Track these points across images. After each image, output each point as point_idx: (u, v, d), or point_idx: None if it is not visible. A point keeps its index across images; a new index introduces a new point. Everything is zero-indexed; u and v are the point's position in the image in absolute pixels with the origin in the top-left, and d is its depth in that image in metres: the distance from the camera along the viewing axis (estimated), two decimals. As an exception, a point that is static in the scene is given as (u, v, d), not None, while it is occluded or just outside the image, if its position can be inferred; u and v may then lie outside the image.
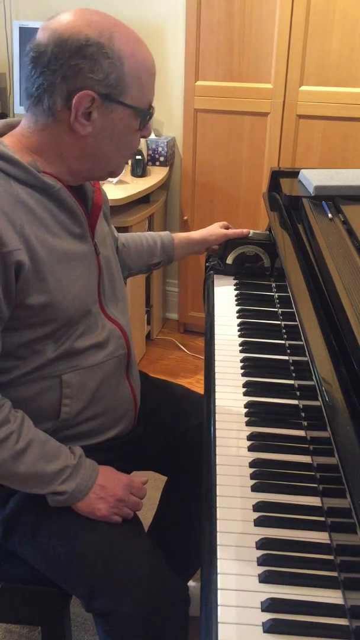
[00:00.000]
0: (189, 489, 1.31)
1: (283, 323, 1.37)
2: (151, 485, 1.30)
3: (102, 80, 0.95)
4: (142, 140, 2.55)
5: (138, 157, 2.54)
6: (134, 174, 2.56)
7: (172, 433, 1.31)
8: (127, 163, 1.09)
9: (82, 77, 0.95)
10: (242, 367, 1.22)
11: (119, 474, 1.12)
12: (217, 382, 1.18)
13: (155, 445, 1.30)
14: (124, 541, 1.06)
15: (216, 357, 1.26)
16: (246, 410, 1.10)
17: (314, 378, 0.90)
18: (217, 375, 1.20)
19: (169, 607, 1.03)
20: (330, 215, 1.30)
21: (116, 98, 0.97)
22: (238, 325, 1.38)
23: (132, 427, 1.22)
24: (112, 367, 1.14)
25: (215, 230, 1.56)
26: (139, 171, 2.55)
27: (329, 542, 0.84)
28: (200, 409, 1.20)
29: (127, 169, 2.60)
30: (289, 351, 1.26)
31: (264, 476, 0.95)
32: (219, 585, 0.77)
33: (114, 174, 1.10)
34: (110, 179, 2.44)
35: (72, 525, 1.06)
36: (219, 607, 0.75)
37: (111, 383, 1.14)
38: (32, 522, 1.08)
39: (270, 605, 0.75)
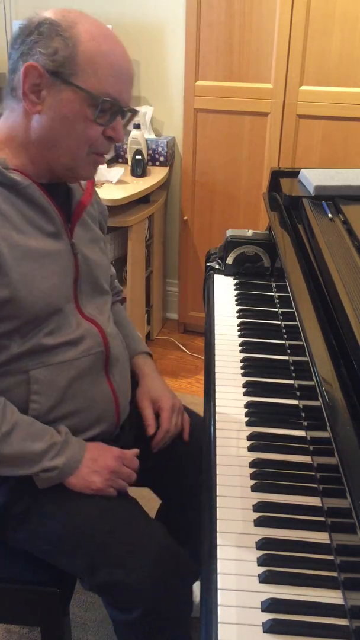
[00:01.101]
0: (186, 516, 1.25)
1: (283, 323, 1.37)
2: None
3: (50, 56, 0.96)
4: (142, 140, 2.55)
5: (138, 157, 2.54)
6: (134, 174, 2.56)
7: (167, 452, 1.25)
8: (94, 165, 1.09)
9: (34, 52, 0.97)
10: (242, 367, 1.22)
11: (109, 446, 1.13)
12: (217, 382, 1.18)
13: (146, 460, 1.20)
14: (121, 511, 1.06)
15: (216, 357, 1.26)
16: (246, 410, 1.09)
17: (314, 378, 0.90)
18: (217, 375, 1.20)
19: (175, 571, 1.04)
20: (330, 215, 1.30)
21: (66, 78, 0.97)
22: (238, 325, 1.38)
23: (114, 431, 1.19)
24: (85, 364, 1.12)
25: (140, 399, 1.29)
26: (139, 171, 2.55)
27: (329, 542, 0.84)
28: (200, 431, 1.19)
29: (127, 169, 2.60)
30: (289, 351, 1.26)
31: (264, 476, 0.95)
32: (219, 585, 0.77)
33: (75, 172, 1.07)
34: (110, 179, 2.44)
35: (65, 503, 1.07)
36: (219, 607, 0.75)
37: (85, 381, 1.13)
38: (23, 510, 1.08)
39: (270, 605, 0.75)
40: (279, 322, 1.38)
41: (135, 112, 1.10)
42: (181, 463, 1.26)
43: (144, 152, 2.57)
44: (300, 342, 1.04)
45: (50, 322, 1.07)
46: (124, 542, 1.03)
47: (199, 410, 1.22)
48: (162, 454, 1.25)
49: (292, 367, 1.21)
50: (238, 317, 1.41)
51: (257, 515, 0.87)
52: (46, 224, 1.06)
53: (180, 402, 1.30)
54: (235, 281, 1.57)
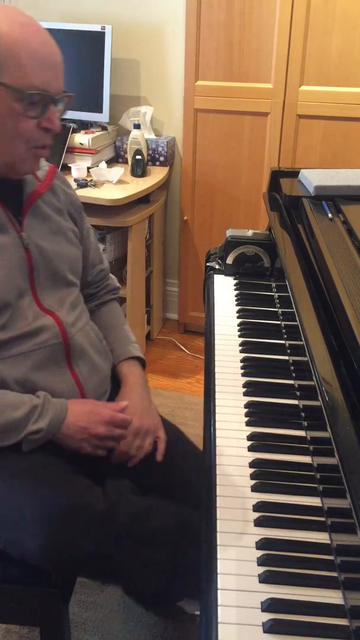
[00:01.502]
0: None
1: (283, 323, 1.37)
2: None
3: None
4: (142, 140, 2.55)
5: (138, 157, 2.54)
6: (134, 174, 2.56)
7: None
8: (36, 159, 1.08)
9: None
10: (242, 367, 1.22)
11: (101, 409, 1.13)
12: (217, 382, 1.18)
13: (145, 477, 1.18)
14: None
15: (216, 357, 1.26)
16: (246, 410, 1.09)
17: (314, 378, 0.90)
18: (217, 375, 1.20)
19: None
20: (330, 215, 1.30)
21: None
22: (238, 325, 1.38)
23: None
24: (42, 356, 1.12)
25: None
26: (139, 171, 2.55)
27: (329, 542, 0.84)
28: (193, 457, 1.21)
29: (127, 169, 2.60)
30: (289, 351, 1.26)
31: (264, 476, 0.95)
32: (219, 585, 0.77)
33: (17, 168, 1.07)
34: (110, 179, 2.44)
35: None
36: (219, 607, 0.75)
37: (44, 373, 1.12)
38: None
39: (270, 605, 0.75)
40: (279, 322, 1.38)
41: (69, 96, 1.07)
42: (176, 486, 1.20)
43: (144, 152, 2.57)
44: (300, 342, 1.04)
45: (1, 317, 1.07)
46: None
47: (199, 410, 1.22)
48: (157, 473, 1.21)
49: (292, 367, 1.21)
50: (238, 317, 1.41)
51: (257, 515, 0.87)
52: None
53: (155, 423, 1.23)
54: (235, 281, 1.57)
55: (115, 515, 1.04)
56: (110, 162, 2.73)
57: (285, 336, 1.32)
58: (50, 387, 1.13)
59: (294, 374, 1.19)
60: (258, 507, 0.89)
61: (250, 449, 1.01)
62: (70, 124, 2.57)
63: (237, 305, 1.46)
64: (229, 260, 1.58)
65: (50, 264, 1.16)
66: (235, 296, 1.50)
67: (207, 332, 1.36)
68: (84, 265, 1.31)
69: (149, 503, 1.09)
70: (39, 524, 1.00)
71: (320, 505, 0.90)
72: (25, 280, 1.11)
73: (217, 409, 1.10)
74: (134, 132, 2.54)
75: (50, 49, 1.00)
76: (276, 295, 1.49)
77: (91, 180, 2.43)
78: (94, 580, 1.15)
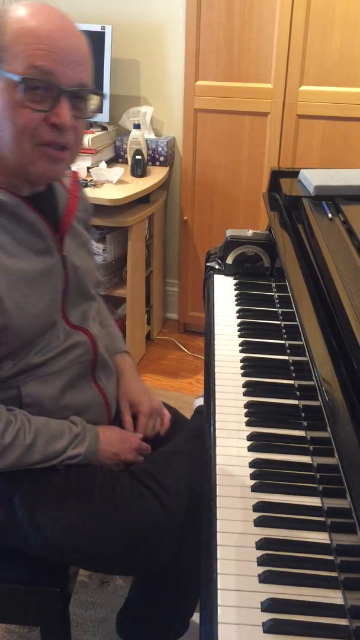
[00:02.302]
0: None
1: (283, 323, 1.37)
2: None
3: None
4: (142, 140, 2.55)
5: (138, 157, 2.54)
6: (134, 174, 2.56)
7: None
8: (46, 160, 0.96)
9: None
10: (242, 367, 1.22)
11: (130, 436, 1.18)
12: (217, 382, 1.18)
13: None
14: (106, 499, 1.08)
15: (216, 357, 1.26)
16: (246, 410, 1.09)
17: (314, 378, 0.90)
18: (217, 375, 1.20)
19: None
20: (330, 215, 1.30)
21: None
22: (238, 325, 1.38)
23: None
24: (74, 372, 1.12)
25: (121, 404, 1.27)
26: (139, 171, 2.55)
27: (329, 542, 0.84)
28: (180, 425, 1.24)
29: (127, 169, 2.60)
30: (289, 351, 1.26)
31: (264, 476, 0.94)
32: (219, 585, 0.77)
33: (27, 170, 0.97)
34: (110, 179, 2.44)
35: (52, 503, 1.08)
36: (219, 607, 0.75)
37: (76, 388, 1.13)
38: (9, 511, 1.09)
39: (270, 605, 0.75)
40: (279, 322, 1.38)
41: (98, 94, 0.98)
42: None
43: (144, 152, 2.57)
44: (300, 342, 1.04)
45: (40, 341, 1.06)
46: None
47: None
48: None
49: (292, 367, 1.21)
50: (238, 317, 1.41)
51: (257, 515, 0.87)
52: (36, 242, 1.03)
53: (159, 402, 1.30)
54: (235, 281, 1.57)
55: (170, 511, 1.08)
56: (110, 162, 2.73)
57: (285, 336, 1.32)
58: (80, 401, 1.13)
59: (294, 374, 1.19)
60: (258, 507, 0.89)
61: (250, 449, 1.00)
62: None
63: (237, 305, 1.46)
64: (229, 260, 1.58)
65: (80, 281, 1.14)
66: (235, 296, 1.50)
67: (207, 332, 1.36)
68: None
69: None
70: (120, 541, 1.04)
71: (320, 505, 0.90)
72: (60, 301, 1.09)
73: (217, 409, 1.10)
74: (134, 132, 2.54)
75: (65, 37, 0.91)
76: (276, 295, 1.49)
77: (91, 180, 2.43)
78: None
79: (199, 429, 1.22)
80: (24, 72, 0.89)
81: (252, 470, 0.96)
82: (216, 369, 1.22)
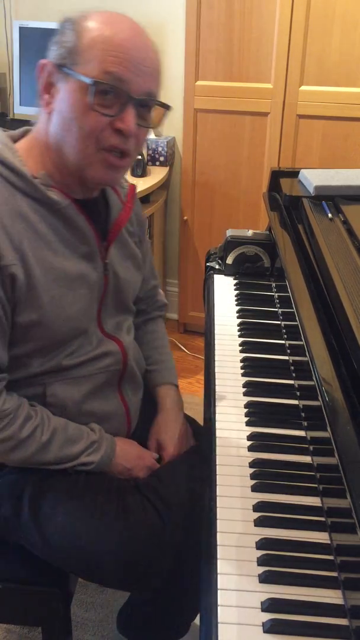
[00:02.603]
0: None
1: (283, 323, 1.37)
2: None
3: (57, 50, 0.95)
4: (142, 140, 2.54)
5: (138, 157, 2.54)
6: (134, 174, 2.56)
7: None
8: (106, 165, 0.97)
9: (50, 50, 0.96)
10: (242, 367, 1.22)
11: (146, 454, 1.17)
12: (217, 382, 1.18)
13: None
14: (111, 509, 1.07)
15: (216, 357, 1.26)
16: (246, 410, 1.09)
17: (314, 378, 0.90)
18: (217, 375, 1.20)
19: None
20: (330, 215, 1.30)
21: (69, 69, 0.93)
22: (238, 325, 1.38)
23: None
24: (101, 380, 1.12)
25: (150, 441, 1.24)
26: (139, 171, 2.55)
27: (329, 542, 0.84)
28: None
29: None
30: (289, 351, 1.26)
31: (264, 476, 0.95)
32: (219, 585, 0.77)
33: (86, 173, 0.98)
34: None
35: (60, 504, 1.07)
36: (219, 607, 0.75)
37: (100, 396, 1.13)
38: (18, 508, 1.09)
39: (270, 605, 0.75)
40: (279, 322, 1.38)
41: (165, 107, 1.00)
42: None
43: (144, 152, 2.57)
44: (300, 342, 1.04)
45: (72, 344, 1.06)
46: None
47: (199, 410, 1.22)
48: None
49: (292, 367, 1.21)
50: (238, 317, 1.41)
51: (257, 515, 0.87)
52: (81, 245, 1.04)
53: (187, 441, 1.25)
54: (235, 281, 1.57)
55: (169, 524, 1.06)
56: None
57: (285, 336, 1.32)
58: (102, 409, 1.14)
59: (294, 374, 1.19)
60: (258, 507, 0.89)
61: (250, 449, 1.00)
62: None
63: (237, 305, 1.46)
64: (229, 260, 1.58)
65: (120, 292, 1.14)
66: (235, 296, 1.50)
67: (207, 332, 1.36)
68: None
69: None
70: (120, 551, 1.03)
71: (320, 505, 0.90)
72: (96, 307, 1.10)
73: (217, 409, 1.10)
74: (134, 132, 2.54)
75: (139, 47, 0.94)
76: (276, 295, 1.49)
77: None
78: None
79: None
80: (96, 76, 0.91)
81: (252, 470, 0.96)
82: (216, 369, 1.22)
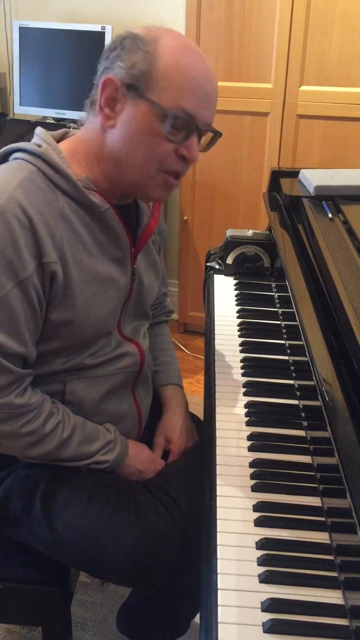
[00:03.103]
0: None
1: (283, 323, 1.37)
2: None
3: (128, 69, 0.94)
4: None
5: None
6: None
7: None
8: (165, 186, 1.03)
9: (114, 65, 0.96)
10: (242, 367, 1.22)
11: (155, 459, 1.19)
12: (217, 382, 1.18)
13: None
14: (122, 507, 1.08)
15: (216, 357, 1.26)
16: (246, 410, 1.09)
17: (314, 378, 0.90)
18: (217, 375, 1.20)
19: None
20: (330, 215, 1.30)
21: (141, 92, 0.94)
22: (238, 325, 1.38)
23: None
24: (119, 380, 1.14)
25: (157, 437, 1.26)
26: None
27: (329, 542, 0.84)
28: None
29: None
30: (289, 351, 1.26)
31: (264, 476, 0.95)
32: (219, 585, 0.77)
33: (144, 191, 1.03)
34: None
35: (67, 501, 1.07)
36: (219, 607, 0.75)
37: (116, 396, 1.14)
38: (25, 505, 1.09)
39: (270, 605, 0.75)
40: (279, 322, 1.38)
41: (218, 135, 1.05)
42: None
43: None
44: (300, 342, 1.04)
45: (95, 345, 1.08)
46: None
47: (199, 410, 1.23)
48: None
49: (292, 367, 1.21)
50: (238, 317, 1.41)
51: (257, 515, 0.87)
52: (114, 249, 1.05)
53: (193, 437, 1.27)
54: (235, 281, 1.57)
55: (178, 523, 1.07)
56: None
57: (285, 336, 1.32)
58: (116, 410, 1.15)
59: (294, 374, 1.19)
60: (258, 507, 0.89)
61: (250, 449, 1.00)
62: (70, 124, 2.57)
63: (237, 305, 1.46)
64: (229, 260, 1.58)
65: (141, 297, 1.16)
66: (235, 296, 1.50)
67: (207, 332, 1.36)
68: None
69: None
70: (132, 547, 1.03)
71: (320, 505, 0.90)
72: (119, 312, 1.11)
73: (217, 409, 1.10)
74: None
75: (208, 79, 0.97)
76: (276, 295, 1.49)
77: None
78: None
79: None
80: (171, 107, 0.94)
81: (252, 470, 0.96)
82: (216, 369, 1.22)
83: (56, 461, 1.07)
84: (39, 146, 1.00)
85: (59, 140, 1.05)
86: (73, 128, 1.11)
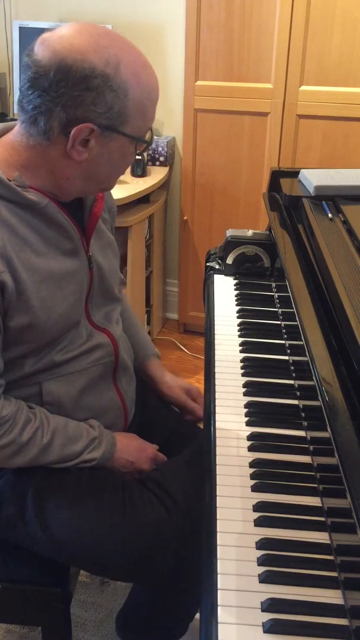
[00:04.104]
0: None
1: (283, 323, 1.37)
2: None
3: (104, 113, 0.92)
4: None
5: (138, 157, 2.53)
6: (134, 174, 2.56)
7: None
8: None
9: (83, 108, 0.91)
10: (242, 367, 1.22)
11: (147, 446, 1.19)
12: (217, 382, 1.18)
13: None
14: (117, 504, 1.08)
15: (216, 357, 1.26)
16: (246, 410, 1.09)
17: (314, 378, 0.90)
18: (217, 376, 1.20)
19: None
20: (330, 215, 1.30)
21: (116, 129, 0.95)
22: (238, 325, 1.38)
23: None
24: (96, 373, 1.12)
25: (177, 393, 1.37)
26: (139, 171, 2.55)
27: (329, 542, 0.84)
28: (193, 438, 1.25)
29: (127, 169, 2.59)
30: (289, 351, 1.26)
31: (264, 476, 0.95)
32: (219, 585, 0.77)
33: (105, 190, 1.09)
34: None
35: (63, 502, 1.07)
36: (219, 607, 0.75)
37: (95, 390, 1.13)
38: (20, 508, 1.09)
39: (270, 605, 0.75)
40: (279, 322, 1.38)
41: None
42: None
43: (144, 152, 2.57)
44: (300, 342, 1.04)
45: (63, 340, 1.07)
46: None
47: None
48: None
49: (292, 367, 1.21)
50: (238, 317, 1.41)
51: (257, 515, 0.87)
52: (64, 242, 1.04)
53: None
54: (235, 281, 1.57)
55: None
56: (110, 162, 2.72)
57: (285, 336, 1.32)
58: (98, 403, 1.14)
59: (294, 374, 1.19)
60: (258, 507, 0.89)
61: (250, 449, 1.00)
62: None
63: (237, 305, 1.46)
64: (229, 260, 1.58)
65: (104, 281, 1.15)
66: (235, 296, 1.50)
67: (207, 332, 1.36)
68: None
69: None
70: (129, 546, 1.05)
71: (320, 505, 0.90)
72: (83, 301, 1.10)
73: (217, 409, 1.10)
74: (134, 132, 2.54)
75: (158, 88, 0.99)
76: (276, 295, 1.49)
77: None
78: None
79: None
80: (142, 131, 0.99)
81: (252, 470, 0.96)
82: (216, 369, 1.22)
83: (43, 464, 1.06)
84: None
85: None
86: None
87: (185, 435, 1.31)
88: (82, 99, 0.91)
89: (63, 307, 1.03)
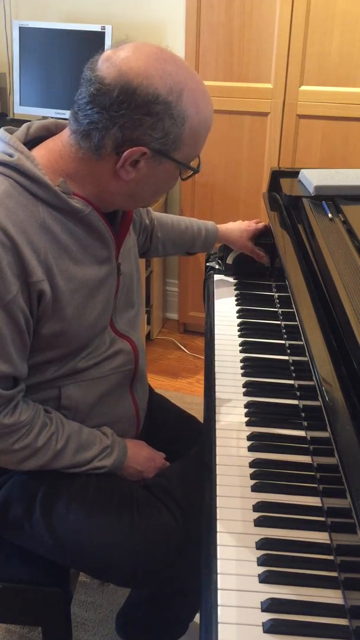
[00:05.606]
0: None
1: (283, 323, 1.37)
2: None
3: (159, 139, 0.92)
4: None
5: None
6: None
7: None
8: None
9: (140, 131, 0.91)
10: (242, 367, 1.22)
11: (154, 456, 1.18)
12: (217, 382, 1.18)
13: None
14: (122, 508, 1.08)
15: (216, 357, 1.26)
16: (246, 410, 1.09)
17: (314, 378, 0.90)
18: (217, 375, 1.20)
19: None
20: (330, 215, 1.30)
21: (168, 154, 0.95)
22: (238, 325, 1.38)
23: None
24: (115, 381, 1.13)
25: (244, 243, 1.53)
26: (139, 171, 2.55)
27: (329, 542, 0.84)
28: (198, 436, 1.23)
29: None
30: (289, 351, 1.26)
31: (264, 476, 0.95)
32: (219, 585, 0.77)
33: (143, 207, 1.13)
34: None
35: (69, 505, 1.07)
36: (219, 608, 0.75)
37: (112, 397, 1.13)
38: (26, 508, 1.09)
39: (270, 605, 0.75)
40: (279, 322, 1.38)
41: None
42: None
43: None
44: (300, 342, 1.04)
45: (89, 346, 1.07)
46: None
47: (199, 410, 1.22)
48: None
49: (292, 367, 1.21)
50: (238, 317, 1.41)
51: (257, 515, 0.87)
52: (101, 250, 1.04)
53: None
54: (235, 281, 1.57)
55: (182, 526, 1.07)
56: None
57: (285, 336, 1.32)
58: (113, 411, 1.14)
59: (294, 374, 1.19)
60: (258, 507, 0.89)
61: (250, 449, 1.01)
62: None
63: (237, 305, 1.46)
64: (229, 260, 1.58)
65: (128, 287, 1.15)
66: (235, 296, 1.50)
67: (207, 332, 1.36)
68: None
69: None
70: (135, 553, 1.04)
71: (320, 505, 0.90)
72: (110, 308, 1.10)
73: (217, 409, 1.10)
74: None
75: (212, 117, 1.01)
76: (276, 295, 1.49)
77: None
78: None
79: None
80: (192, 157, 1.00)
81: (252, 470, 0.96)
82: (216, 369, 1.22)
83: (54, 468, 1.06)
84: (11, 156, 0.94)
85: (24, 142, 1.00)
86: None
87: (188, 435, 1.31)
88: (140, 122, 0.90)
89: (93, 315, 1.04)
